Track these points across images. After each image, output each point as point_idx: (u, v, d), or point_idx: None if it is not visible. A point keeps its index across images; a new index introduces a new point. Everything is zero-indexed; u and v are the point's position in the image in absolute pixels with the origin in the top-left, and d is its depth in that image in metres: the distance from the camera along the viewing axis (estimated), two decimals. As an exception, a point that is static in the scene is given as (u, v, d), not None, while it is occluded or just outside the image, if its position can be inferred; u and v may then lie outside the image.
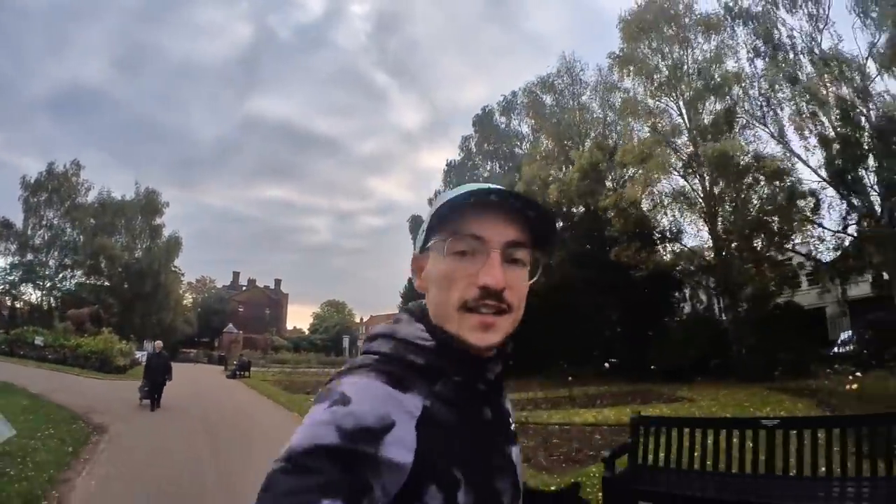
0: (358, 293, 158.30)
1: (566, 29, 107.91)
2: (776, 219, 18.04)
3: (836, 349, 18.97)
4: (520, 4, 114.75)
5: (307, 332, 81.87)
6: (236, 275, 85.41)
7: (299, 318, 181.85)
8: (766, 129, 18.92)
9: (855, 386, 8.99)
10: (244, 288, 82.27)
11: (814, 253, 19.29)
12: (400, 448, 0.59)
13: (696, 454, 4.27)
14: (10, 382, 13.50)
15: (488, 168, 34.97)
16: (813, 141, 18.17)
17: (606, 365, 20.71)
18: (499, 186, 0.72)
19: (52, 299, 42.46)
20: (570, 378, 15.06)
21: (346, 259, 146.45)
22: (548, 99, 29.68)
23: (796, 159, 18.44)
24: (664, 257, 21.18)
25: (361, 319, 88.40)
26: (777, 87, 18.57)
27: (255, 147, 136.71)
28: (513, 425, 0.84)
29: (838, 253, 18.65)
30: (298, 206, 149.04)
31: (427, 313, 0.75)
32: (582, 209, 23.42)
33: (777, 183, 17.75)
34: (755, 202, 18.59)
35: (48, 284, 42.81)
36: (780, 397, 11.43)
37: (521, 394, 14.33)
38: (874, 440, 3.75)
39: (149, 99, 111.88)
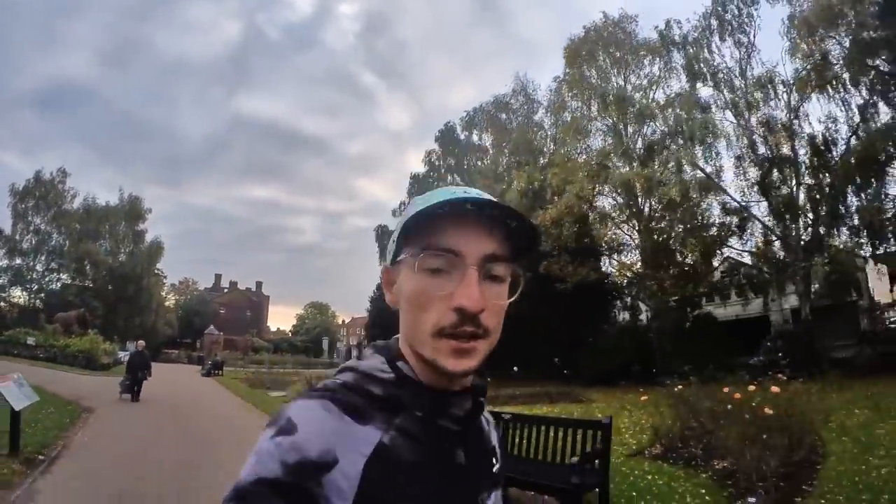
0: (342, 295, 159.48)
1: (555, 32, 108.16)
2: (692, 240, 19.68)
3: (756, 358, 20.32)
4: (509, 8, 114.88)
5: (290, 334, 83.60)
6: (218, 277, 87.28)
7: (284, 319, 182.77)
8: (685, 155, 19.82)
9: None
10: (226, 290, 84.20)
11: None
12: (341, 487, 0.57)
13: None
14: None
15: (448, 181, 35.50)
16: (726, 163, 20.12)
17: (515, 369, 21.59)
18: (477, 193, 0.66)
19: (38, 301, 44.63)
20: (488, 380, 17.32)
21: (332, 260, 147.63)
22: (504, 117, 31.84)
23: (723, 181, 20.16)
24: (598, 270, 22.32)
25: (343, 321, 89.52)
26: (692, 112, 19.59)
27: (243, 146, 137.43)
28: (496, 467, 0.78)
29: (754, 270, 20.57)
30: (285, 205, 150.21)
31: (391, 348, 0.72)
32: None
33: (691, 205, 19.72)
34: (676, 227, 20.38)
35: (35, 287, 45.07)
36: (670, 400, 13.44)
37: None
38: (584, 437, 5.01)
39: (136, 96, 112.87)
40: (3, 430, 6.84)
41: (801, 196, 18.90)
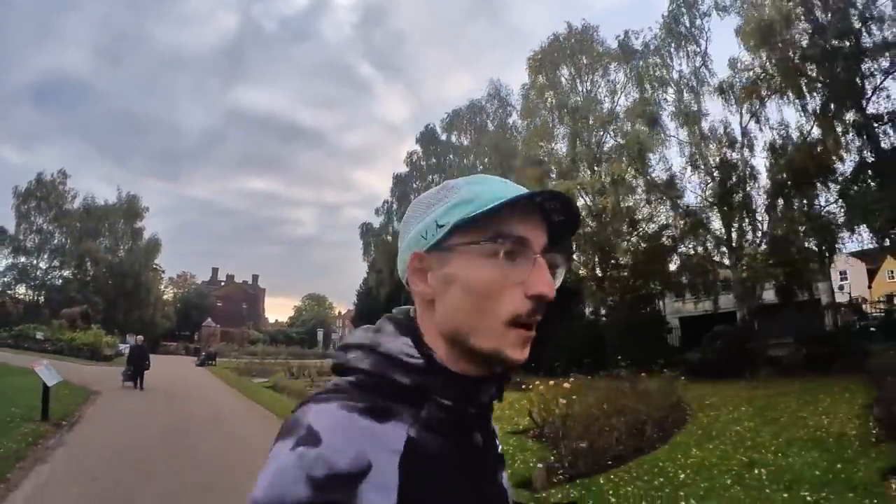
0: (340, 286, 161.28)
1: (552, 23, 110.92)
2: (627, 244, 21.44)
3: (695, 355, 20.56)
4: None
5: (287, 326, 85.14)
6: (215, 270, 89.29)
7: (282, 310, 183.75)
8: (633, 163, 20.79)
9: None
10: (223, 283, 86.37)
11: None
12: (380, 493, 0.53)
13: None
14: (26, 367, 18.36)
15: (429, 181, 36.09)
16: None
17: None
18: (545, 190, 0.66)
19: (41, 297, 46.89)
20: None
21: (330, 252, 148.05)
22: (480, 120, 33.34)
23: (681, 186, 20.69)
24: None
25: (339, 313, 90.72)
26: (636, 123, 20.56)
27: (240, 138, 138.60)
28: (499, 447, 0.76)
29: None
30: (283, 198, 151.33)
31: (413, 324, 0.67)
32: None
33: (630, 212, 21.44)
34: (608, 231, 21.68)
35: (38, 284, 47.39)
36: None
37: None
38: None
39: (132, 89, 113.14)
40: (35, 404, 9.19)
41: (748, 200, 19.36)
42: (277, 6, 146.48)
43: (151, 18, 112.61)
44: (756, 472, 6.30)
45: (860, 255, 28.43)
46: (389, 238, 35.46)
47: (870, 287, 35.41)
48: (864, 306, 23.00)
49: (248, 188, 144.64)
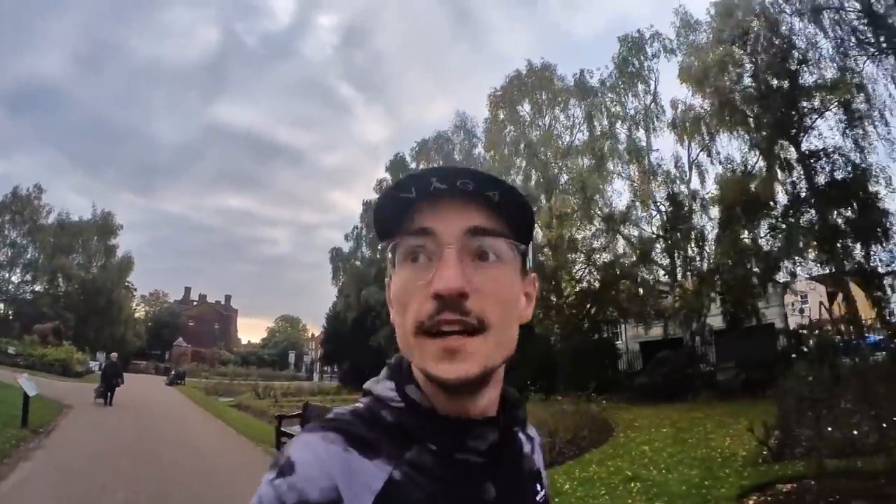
0: (314, 308, 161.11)
1: (533, 50, 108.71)
2: (567, 276, 22.79)
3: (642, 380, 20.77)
4: (487, 24, 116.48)
5: (259, 347, 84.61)
6: (188, 290, 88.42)
7: (255, 331, 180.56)
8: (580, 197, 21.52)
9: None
10: (195, 303, 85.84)
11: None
12: None
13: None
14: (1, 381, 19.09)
15: None
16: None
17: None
18: (444, 166, 0.58)
19: (11, 312, 46.84)
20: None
21: (305, 273, 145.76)
22: (447, 148, 34.06)
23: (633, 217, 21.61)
24: None
25: (312, 335, 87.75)
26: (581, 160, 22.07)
27: (218, 154, 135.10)
28: (540, 495, 0.69)
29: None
30: (259, 216, 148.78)
31: (403, 369, 0.63)
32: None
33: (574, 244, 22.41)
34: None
35: (9, 298, 47.41)
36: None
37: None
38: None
39: (109, 99, 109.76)
40: (13, 413, 10.25)
41: (694, 231, 20.26)
42: (260, 23, 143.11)
43: (133, 28, 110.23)
44: (631, 485, 6.90)
45: (820, 279, 29.45)
46: (358, 263, 36.35)
47: (829, 310, 36.52)
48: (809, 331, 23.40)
49: (224, 205, 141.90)
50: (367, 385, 0.65)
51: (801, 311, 29.83)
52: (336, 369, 45.63)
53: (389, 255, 0.60)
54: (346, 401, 16.59)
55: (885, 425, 6.53)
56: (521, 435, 0.70)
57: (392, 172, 37.99)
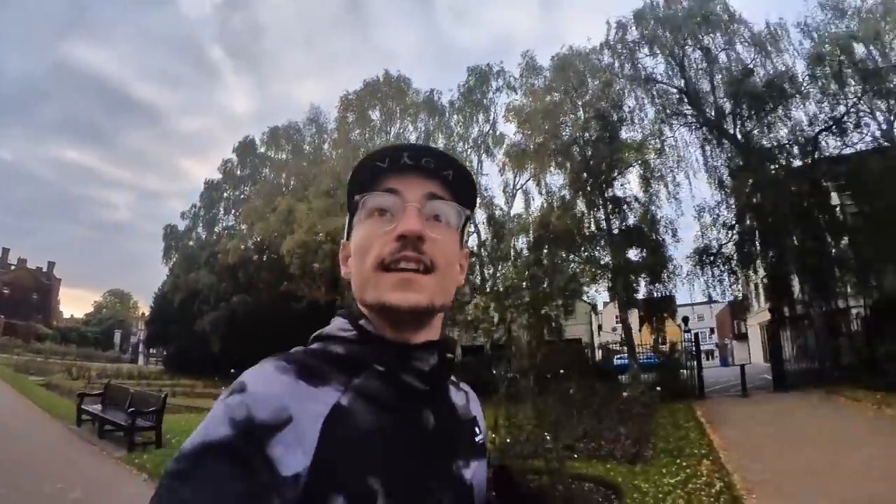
0: (149, 284, 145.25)
1: (413, 52, 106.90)
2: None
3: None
4: (377, 19, 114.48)
5: (83, 323, 78.24)
6: (6, 251, 78.78)
7: (80, 304, 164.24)
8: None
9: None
10: (13, 267, 77.57)
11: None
12: (292, 450, 0.53)
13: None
14: None
15: (240, 190, 35.98)
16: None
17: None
18: (414, 144, 0.70)
19: None
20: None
21: (144, 244, 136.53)
22: (297, 138, 33.34)
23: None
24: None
25: (143, 314, 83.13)
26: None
27: (63, 98, 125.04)
28: (479, 437, 0.77)
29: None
30: (100, 175, 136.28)
31: (353, 309, 0.71)
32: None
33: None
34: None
35: None
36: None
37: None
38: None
39: None
40: None
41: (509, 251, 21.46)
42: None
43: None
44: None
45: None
46: (192, 244, 35.40)
47: (640, 330, 41.54)
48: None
49: (62, 157, 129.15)
50: (317, 332, 0.71)
51: (614, 329, 34.15)
52: (164, 353, 43.32)
53: (356, 211, 0.71)
54: (166, 386, 17.73)
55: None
56: (456, 389, 0.79)
57: (239, 155, 36.56)
